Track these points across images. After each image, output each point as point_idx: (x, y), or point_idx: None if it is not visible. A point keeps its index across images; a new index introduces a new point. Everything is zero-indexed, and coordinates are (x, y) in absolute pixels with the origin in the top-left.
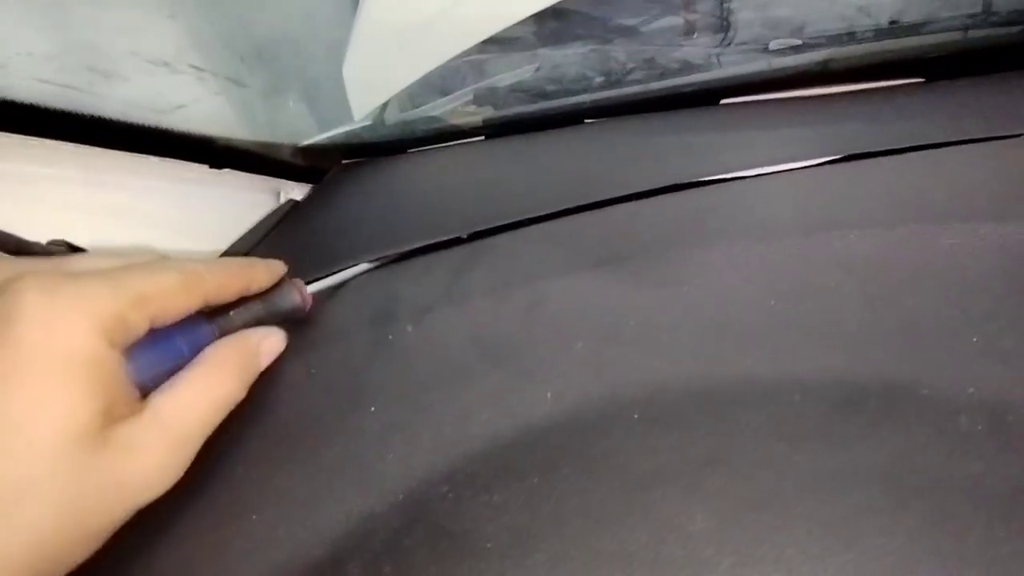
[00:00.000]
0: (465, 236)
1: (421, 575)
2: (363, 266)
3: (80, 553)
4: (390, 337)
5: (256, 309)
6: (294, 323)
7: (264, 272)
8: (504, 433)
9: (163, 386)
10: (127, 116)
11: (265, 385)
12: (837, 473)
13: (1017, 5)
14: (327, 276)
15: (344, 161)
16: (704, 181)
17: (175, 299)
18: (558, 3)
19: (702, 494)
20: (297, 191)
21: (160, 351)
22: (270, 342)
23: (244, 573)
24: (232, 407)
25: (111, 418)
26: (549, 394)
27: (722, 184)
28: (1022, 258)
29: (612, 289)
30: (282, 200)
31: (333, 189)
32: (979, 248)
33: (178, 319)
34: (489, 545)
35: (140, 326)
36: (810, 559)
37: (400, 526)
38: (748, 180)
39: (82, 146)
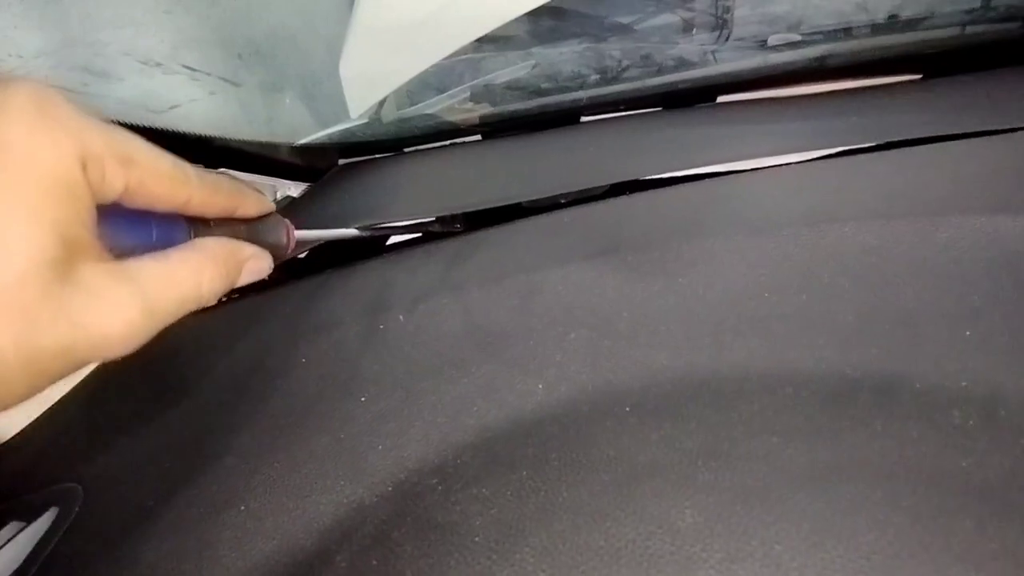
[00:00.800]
0: (459, 217)
1: (408, 568)
2: (352, 231)
3: (27, 390)
4: (382, 326)
5: (237, 228)
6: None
7: (253, 202)
8: (495, 425)
9: (146, 256)
10: (122, 116)
11: (256, 374)
12: (829, 467)
13: (1016, 0)
14: (315, 231)
15: (341, 161)
16: (699, 175)
17: (157, 181)
18: (553, 1)
19: (692, 488)
20: (294, 190)
21: (129, 226)
22: (257, 262)
23: (232, 564)
24: (204, 304)
25: (74, 254)
26: (541, 385)
27: (717, 178)
28: (1017, 252)
29: (606, 281)
30: (278, 198)
31: (330, 187)
32: (974, 242)
33: (152, 206)
34: (477, 539)
35: (114, 185)
36: (800, 555)
37: (388, 518)
38: (743, 174)
39: None
